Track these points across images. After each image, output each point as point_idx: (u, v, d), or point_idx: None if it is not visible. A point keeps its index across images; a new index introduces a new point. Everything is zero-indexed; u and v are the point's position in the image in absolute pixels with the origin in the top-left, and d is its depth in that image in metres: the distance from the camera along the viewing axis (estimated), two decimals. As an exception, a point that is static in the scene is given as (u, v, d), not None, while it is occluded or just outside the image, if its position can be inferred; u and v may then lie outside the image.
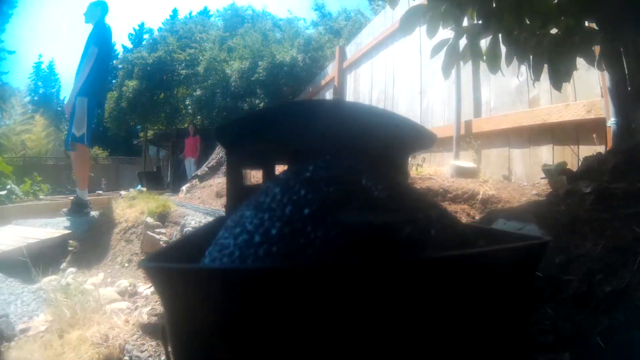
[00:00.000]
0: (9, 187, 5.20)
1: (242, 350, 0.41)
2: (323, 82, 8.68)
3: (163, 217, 3.12)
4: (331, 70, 8.29)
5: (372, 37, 6.26)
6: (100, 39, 4.44)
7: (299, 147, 0.80)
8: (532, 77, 1.93)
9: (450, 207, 2.97)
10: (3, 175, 5.38)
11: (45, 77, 44.48)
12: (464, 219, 2.92)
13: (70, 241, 3.32)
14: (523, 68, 1.96)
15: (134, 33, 34.90)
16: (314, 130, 0.78)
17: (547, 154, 3.10)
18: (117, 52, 31.02)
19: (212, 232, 0.59)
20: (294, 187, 0.55)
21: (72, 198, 4.69)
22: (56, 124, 20.88)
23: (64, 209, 4.47)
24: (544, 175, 2.28)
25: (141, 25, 33.24)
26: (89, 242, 3.36)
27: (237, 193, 0.87)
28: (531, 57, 1.89)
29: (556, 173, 2.09)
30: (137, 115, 15.61)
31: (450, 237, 0.52)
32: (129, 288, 2.54)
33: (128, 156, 27.67)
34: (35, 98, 40.01)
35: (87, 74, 4.29)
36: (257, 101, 12.67)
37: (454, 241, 0.52)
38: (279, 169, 0.81)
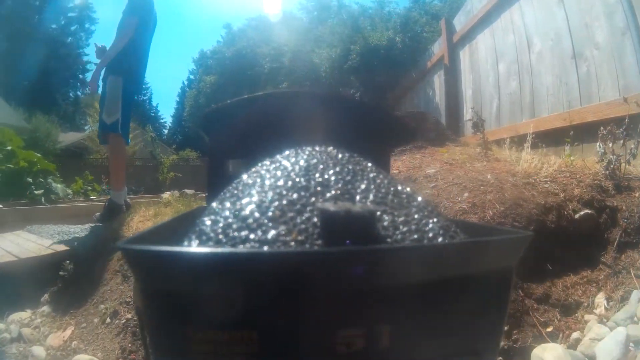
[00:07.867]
0: (48, 186, 4.65)
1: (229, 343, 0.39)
2: (429, 64, 7.59)
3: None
4: (437, 49, 7.23)
5: (487, -1, 5.07)
6: (139, 7, 3.65)
7: (281, 136, 0.77)
8: None
9: None
10: (47, 173, 4.85)
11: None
12: None
13: (66, 262, 2.44)
14: None
15: (221, 40, 35.80)
16: (297, 120, 0.81)
17: None
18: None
19: (191, 220, 0.57)
20: (275, 175, 0.56)
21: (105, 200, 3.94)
22: (143, 126, 21.71)
23: (97, 214, 3.79)
24: None
25: (228, 30, 33.90)
26: (85, 265, 2.47)
27: (219, 184, 0.76)
28: None
29: None
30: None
31: (431, 229, 0.52)
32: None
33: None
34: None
35: (121, 48, 3.51)
36: (352, 91, 11.52)
37: (436, 232, 0.52)
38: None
